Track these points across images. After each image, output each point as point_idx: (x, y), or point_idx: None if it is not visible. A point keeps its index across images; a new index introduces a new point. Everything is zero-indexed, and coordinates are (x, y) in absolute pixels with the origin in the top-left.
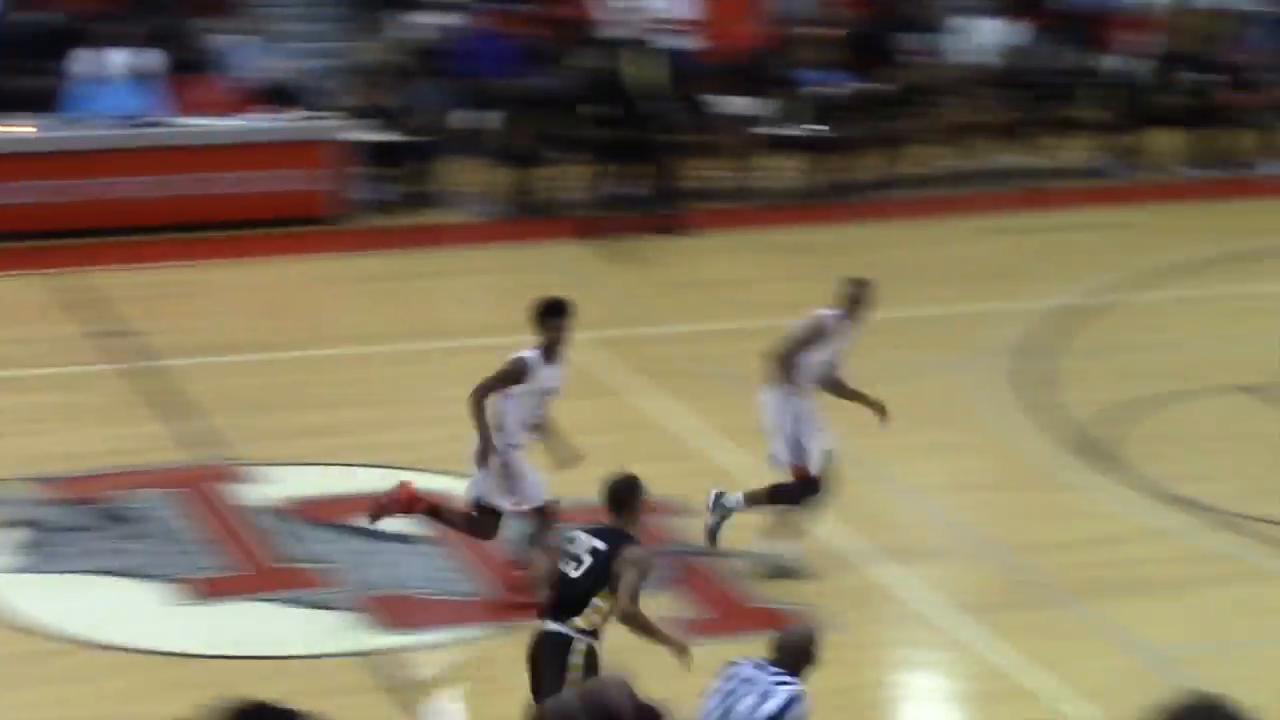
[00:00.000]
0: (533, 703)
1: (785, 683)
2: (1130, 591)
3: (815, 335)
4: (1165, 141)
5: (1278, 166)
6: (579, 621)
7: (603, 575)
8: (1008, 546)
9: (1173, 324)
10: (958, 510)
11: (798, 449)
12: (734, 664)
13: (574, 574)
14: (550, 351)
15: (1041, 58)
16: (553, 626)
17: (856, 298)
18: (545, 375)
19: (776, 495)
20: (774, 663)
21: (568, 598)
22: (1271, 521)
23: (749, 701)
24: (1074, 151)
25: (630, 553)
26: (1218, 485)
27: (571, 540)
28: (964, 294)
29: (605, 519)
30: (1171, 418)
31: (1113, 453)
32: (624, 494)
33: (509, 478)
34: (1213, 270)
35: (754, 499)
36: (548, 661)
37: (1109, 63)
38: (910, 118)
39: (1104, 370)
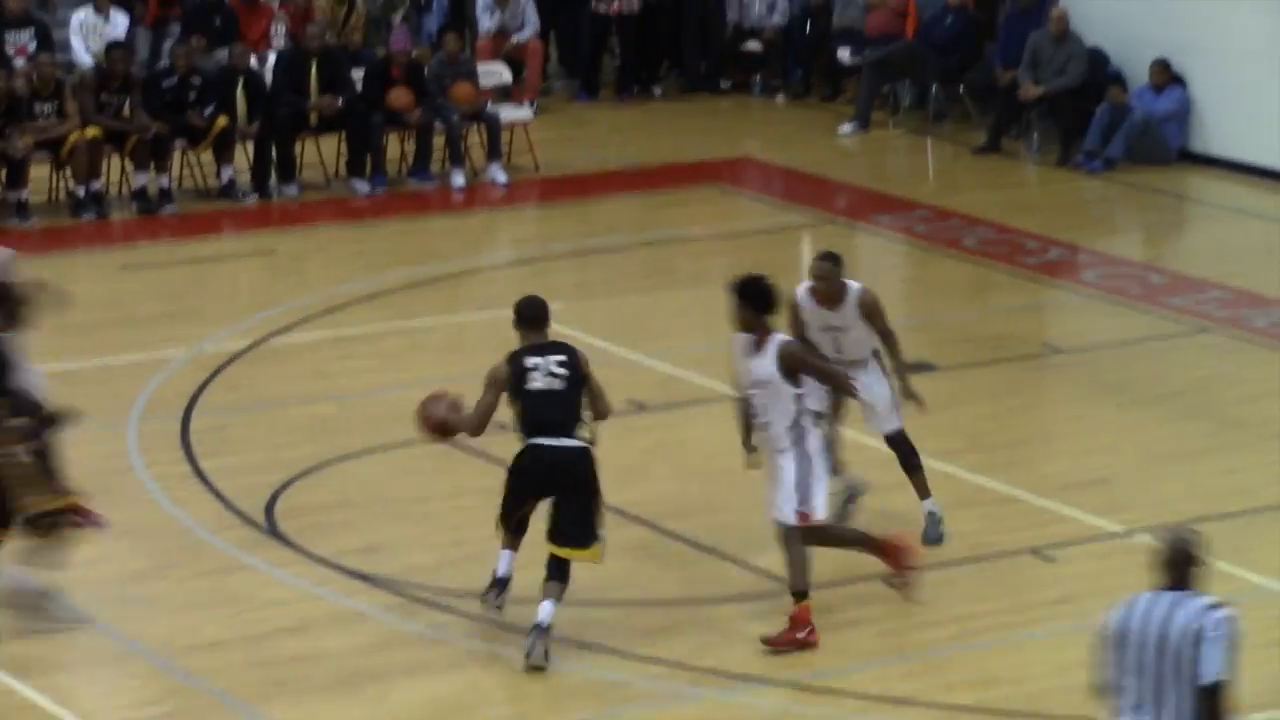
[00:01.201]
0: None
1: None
2: (319, 691)
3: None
4: (323, 152)
5: (461, 176)
6: (583, 432)
7: (580, 380)
8: (166, 648)
9: (340, 368)
10: (98, 607)
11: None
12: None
13: (560, 386)
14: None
15: (161, 57)
16: (570, 442)
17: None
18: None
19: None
20: (1166, 584)
21: (567, 412)
22: (459, 594)
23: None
24: (211, 167)
25: (583, 354)
26: (409, 558)
27: (534, 365)
28: (99, 343)
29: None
30: (353, 478)
31: (287, 525)
32: (543, 310)
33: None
34: (387, 302)
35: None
36: (580, 473)
37: (245, 62)
38: (20, 133)
39: (266, 426)
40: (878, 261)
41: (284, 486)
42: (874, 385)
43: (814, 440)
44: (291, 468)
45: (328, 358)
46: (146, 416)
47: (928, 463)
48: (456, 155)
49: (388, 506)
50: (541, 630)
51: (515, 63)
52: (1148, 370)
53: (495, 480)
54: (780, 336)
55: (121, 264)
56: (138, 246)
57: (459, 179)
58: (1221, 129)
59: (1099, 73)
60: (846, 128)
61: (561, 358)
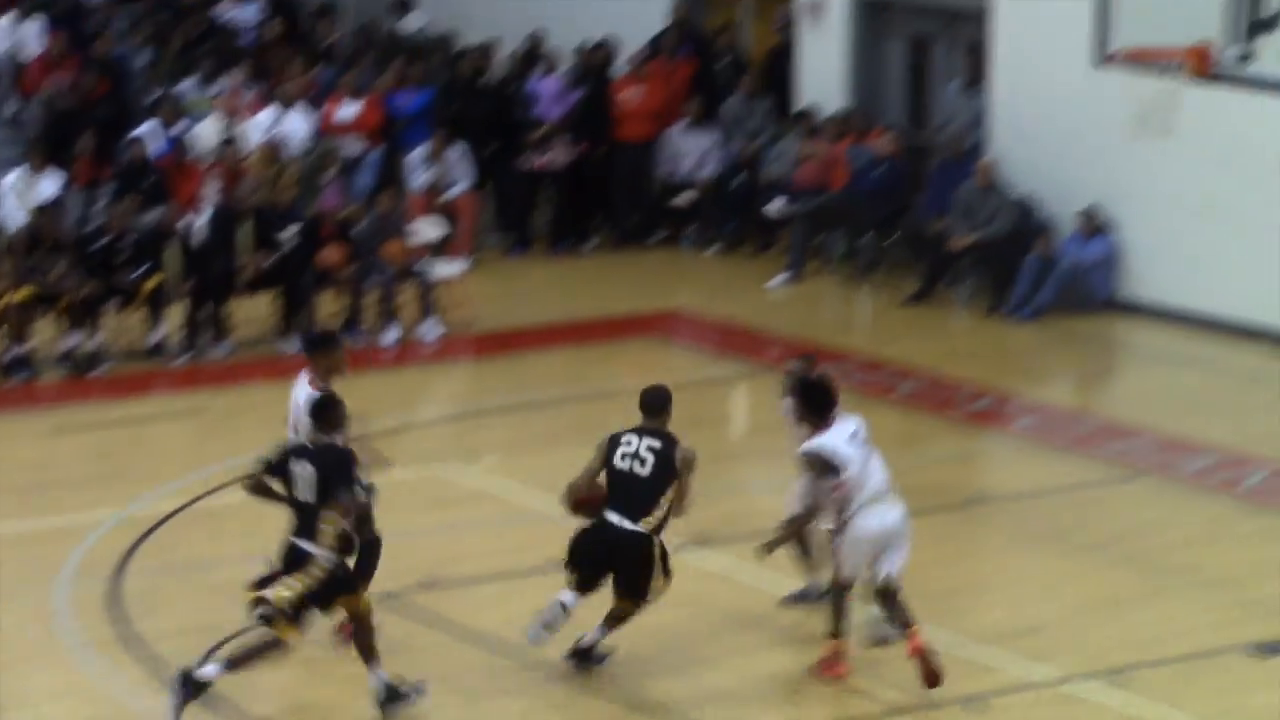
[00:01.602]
0: (623, 596)
1: None
2: None
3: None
4: (255, 311)
5: (394, 333)
6: (650, 520)
7: (668, 470)
8: None
9: (273, 528)
10: None
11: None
12: None
13: (643, 472)
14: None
15: (91, 216)
16: (630, 526)
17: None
18: None
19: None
20: None
21: (640, 495)
22: None
23: None
24: (143, 327)
25: (684, 449)
26: (341, 718)
27: (628, 443)
28: (29, 506)
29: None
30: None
31: (219, 686)
32: (663, 400)
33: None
34: None
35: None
36: (633, 560)
37: (176, 221)
38: None
39: (197, 588)
40: None
41: (215, 648)
42: None
43: (854, 523)
44: (223, 630)
45: (260, 518)
46: (77, 579)
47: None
48: (389, 312)
49: (318, 666)
50: (564, 610)
51: (448, 218)
52: (1079, 517)
53: (424, 640)
54: (812, 441)
55: (52, 426)
56: (69, 408)
57: (392, 335)
58: (1149, 276)
59: (1027, 221)
60: (779, 279)
61: (657, 444)
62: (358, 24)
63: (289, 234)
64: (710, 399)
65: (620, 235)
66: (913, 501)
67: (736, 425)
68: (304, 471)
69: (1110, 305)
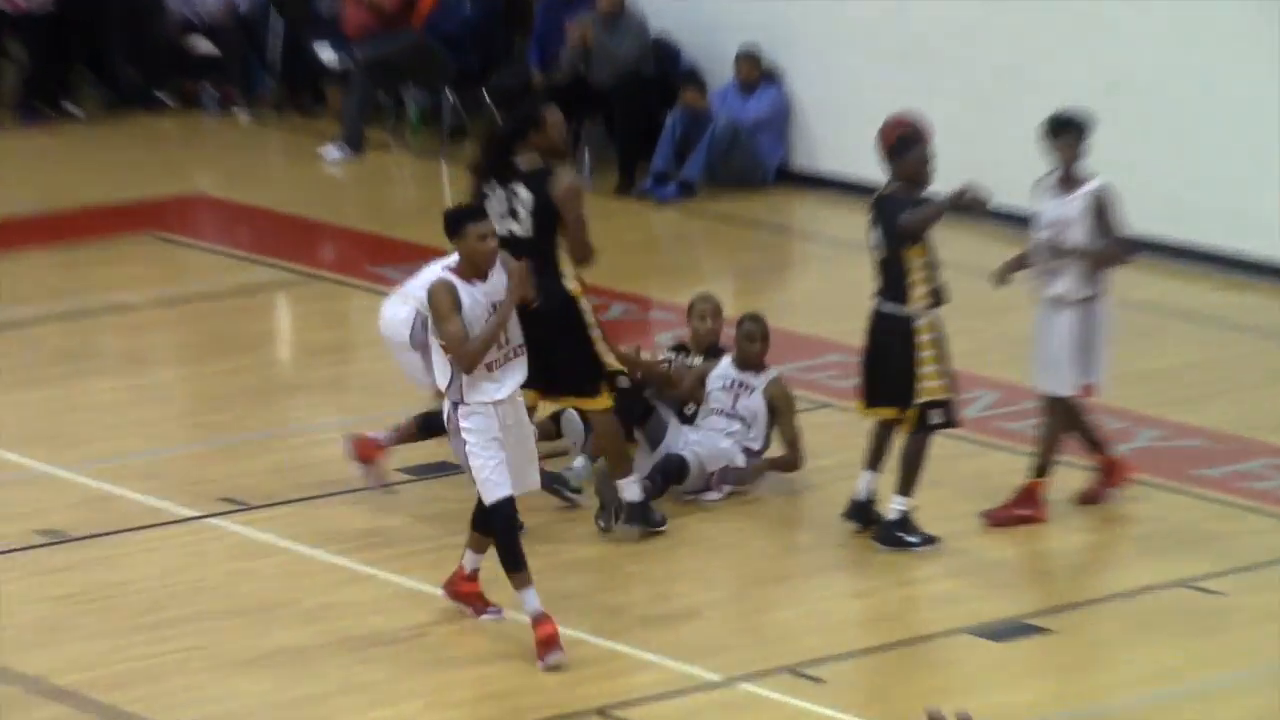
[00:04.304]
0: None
1: None
2: None
3: None
4: None
5: None
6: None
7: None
8: None
9: None
10: None
11: None
12: None
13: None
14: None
15: None
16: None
17: None
18: None
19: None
20: None
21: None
22: None
23: None
24: None
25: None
26: None
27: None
28: None
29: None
30: None
31: None
32: None
33: None
34: None
35: None
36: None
37: None
38: None
39: None
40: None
41: None
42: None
43: (1104, 302)
44: None
45: None
46: None
47: None
48: None
49: None
50: None
51: None
52: None
53: None
54: (1099, 180)
55: None
56: None
57: None
58: (829, 140)
59: (668, 69)
60: (333, 152)
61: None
62: None
63: None
64: (243, 313)
65: (117, 95)
66: None
67: (280, 349)
68: None
69: (781, 178)
